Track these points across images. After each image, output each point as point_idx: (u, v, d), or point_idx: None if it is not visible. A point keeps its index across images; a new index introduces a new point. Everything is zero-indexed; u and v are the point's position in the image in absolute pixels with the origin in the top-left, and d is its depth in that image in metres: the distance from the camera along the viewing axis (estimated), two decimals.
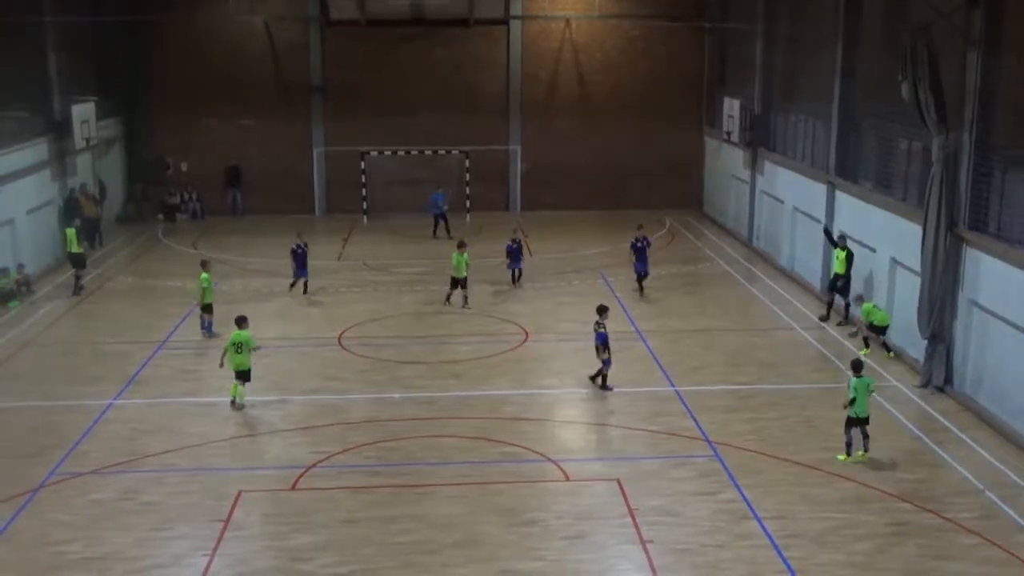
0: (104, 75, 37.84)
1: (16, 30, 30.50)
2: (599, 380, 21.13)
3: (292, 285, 28.47)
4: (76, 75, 34.58)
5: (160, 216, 39.75)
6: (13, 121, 30.76)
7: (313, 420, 19.61)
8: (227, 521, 15.48)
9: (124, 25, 37.18)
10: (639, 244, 28.53)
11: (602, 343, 20.79)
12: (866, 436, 17.65)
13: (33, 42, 32.04)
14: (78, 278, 28.80)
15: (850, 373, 17.98)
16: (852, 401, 17.60)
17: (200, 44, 39.14)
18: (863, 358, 19.17)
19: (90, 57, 36.89)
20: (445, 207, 36.75)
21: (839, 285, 25.40)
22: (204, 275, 24.48)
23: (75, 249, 28.74)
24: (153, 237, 36.86)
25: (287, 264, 28.96)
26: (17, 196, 29.72)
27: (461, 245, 27.60)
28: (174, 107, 39.13)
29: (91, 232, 32.66)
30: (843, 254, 25.14)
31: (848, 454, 17.60)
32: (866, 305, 23.55)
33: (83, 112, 33.51)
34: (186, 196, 40.38)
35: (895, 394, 20.84)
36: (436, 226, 36.45)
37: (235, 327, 20.32)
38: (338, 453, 18.01)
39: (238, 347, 20.04)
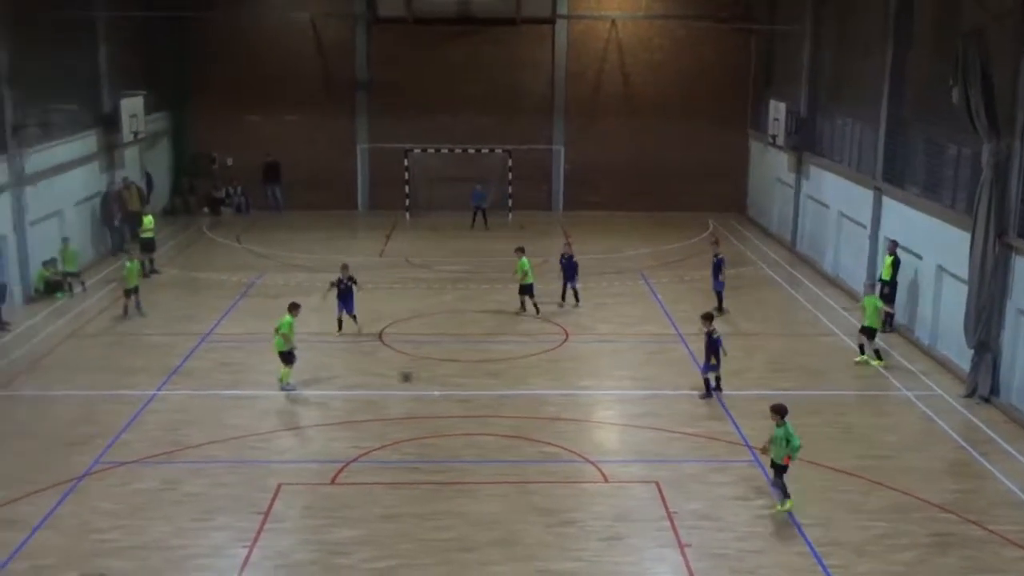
0: (153, 69, 38.23)
1: (68, 24, 30.90)
2: (717, 385, 20.90)
3: (339, 324, 24.84)
4: (126, 69, 35.02)
5: (205, 210, 40.14)
6: (64, 114, 31.18)
7: (353, 415, 19.71)
8: (267, 513, 15.59)
9: (173, 20, 37.56)
10: (716, 260, 26.92)
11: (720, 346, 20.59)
12: (783, 489, 15.87)
13: (84, 36, 32.47)
14: (151, 262, 30.39)
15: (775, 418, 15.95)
16: (792, 447, 15.67)
17: (247, 40, 39.46)
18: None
19: (139, 51, 37.29)
20: (484, 203, 37.86)
21: (885, 292, 25.13)
22: (129, 263, 26.48)
23: (147, 235, 30.40)
24: (198, 230, 37.23)
25: (328, 260, 28.99)
26: (66, 188, 30.15)
27: (520, 250, 26.76)
28: (221, 102, 39.46)
29: (133, 226, 32.98)
30: (889, 259, 24.89)
31: (788, 499, 15.78)
32: (870, 298, 23.31)
33: (132, 106, 33.90)
34: (231, 190, 40.72)
35: (939, 403, 20.58)
36: (475, 218, 37.76)
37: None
38: (377, 449, 18.08)
39: (277, 330, 20.93)
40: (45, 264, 27.76)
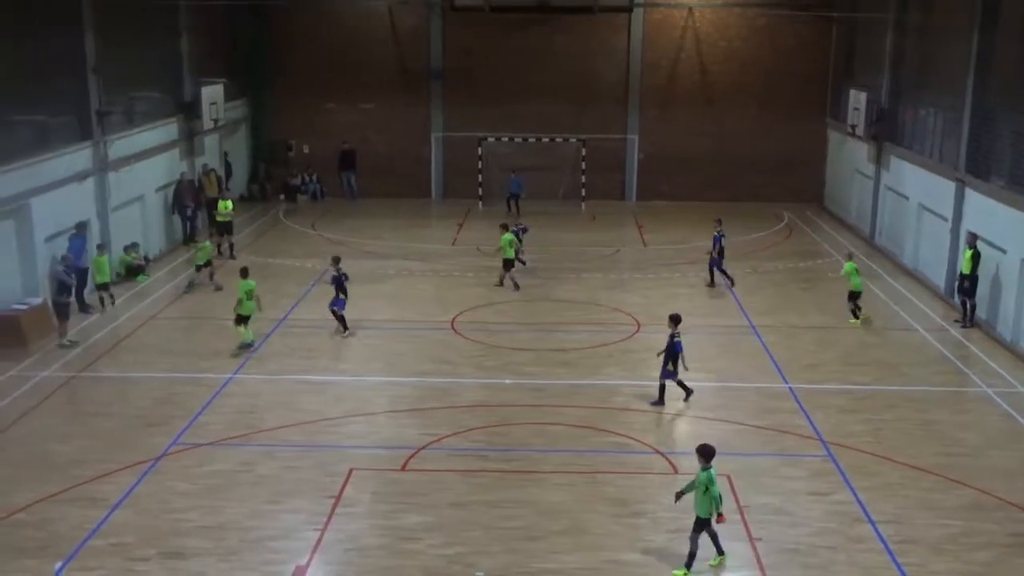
0: (233, 58, 38.88)
1: (151, 13, 31.56)
2: (686, 394, 19.92)
3: (343, 325, 23.90)
4: (206, 57, 35.62)
5: (281, 196, 40.69)
6: (146, 101, 31.86)
7: (424, 402, 19.84)
8: (338, 498, 15.78)
9: (253, 9, 38.13)
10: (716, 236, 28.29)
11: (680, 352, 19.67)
12: (714, 537, 13.99)
13: (167, 25, 33.10)
14: (230, 246, 31.38)
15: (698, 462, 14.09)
16: (720, 498, 13.85)
17: (325, 28, 39.86)
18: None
19: (220, 40, 37.91)
20: (521, 192, 38.18)
21: (966, 286, 24.58)
22: (208, 243, 28.35)
23: (223, 219, 31.37)
24: (274, 217, 37.76)
25: (401, 247, 29.03)
26: (148, 174, 30.80)
27: (504, 226, 28.31)
28: (298, 90, 39.97)
29: (210, 212, 33.59)
30: (969, 253, 24.34)
31: (688, 567, 13.73)
32: (849, 264, 25.20)
33: (212, 94, 34.49)
34: (307, 178, 41.23)
35: (1021, 401, 20.06)
36: (509, 207, 37.90)
37: (241, 278, 23.05)
38: (448, 436, 18.19)
39: (249, 295, 22.63)
40: (126, 249, 28.42)
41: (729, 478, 16.41)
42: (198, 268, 27.52)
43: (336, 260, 24.61)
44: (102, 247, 26.19)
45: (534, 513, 15.37)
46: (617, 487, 16.25)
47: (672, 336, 19.56)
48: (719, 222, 28.54)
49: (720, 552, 14.01)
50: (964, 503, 15.77)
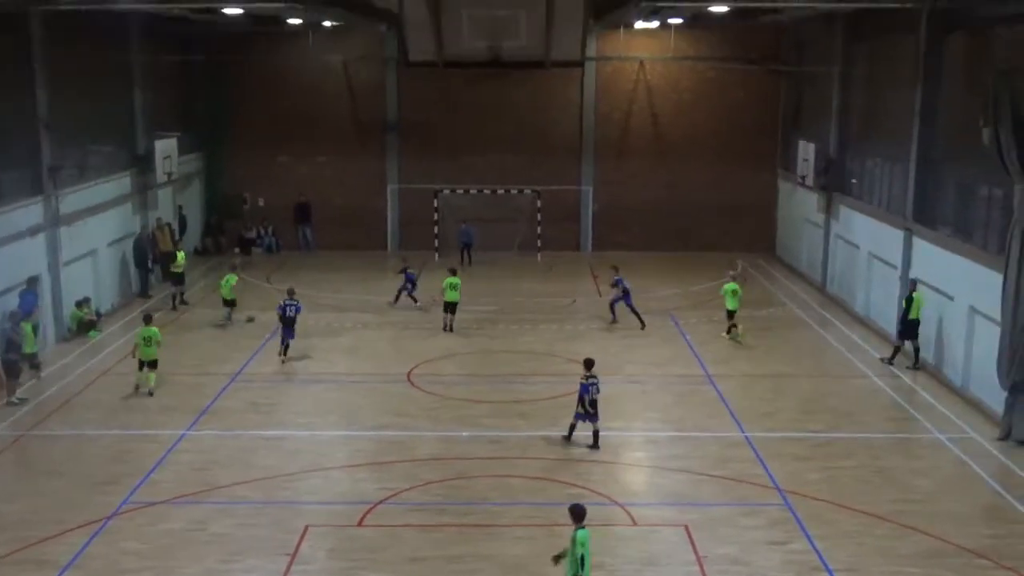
0: (187, 111, 38.82)
1: (105, 68, 31.51)
2: (595, 440, 20.13)
3: (285, 351, 25.80)
4: (160, 111, 35.53)
5: (236, 250, 40.47)
6: (99, 155, 31.68)
7: (381, 456, 19.69)
8: (294, 555, 15.56)
9: (207, 64, 38.17)
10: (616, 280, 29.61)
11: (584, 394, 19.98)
12: None
13: (120, 79, 33.01)
14: (180, 295, 31.82)
15: (571, 523, 13.40)
16: (581, 561, 12.96)
17: (279, 83, 39.97)
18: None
19: (174, 94, 37.88)
20: (472, 240, 38.76)
21: (900, 329, 25.67)
22: (231, 275, 29.84)
23: (178, 270, 31.70)
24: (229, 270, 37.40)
25: (358, 300, 28.96)
26: (100, 228, 30.53)
27: (452, 271, 29.30)
28: (253, 143, 39.94)
29: (164, 265, 33.38)
30: (907, 297, 25.12)
31: None
32: (728, 285, 27.86)
33: (165, 147, 34.36)
34: (262, 231, 41.09)
35: (973, 447, 20.30)
36: (462, 256, 38.36)
37: (144, 324, 23.51)
38: (405, 490, 18.04)
39: (148, 340, 22.99)
40: (78, 304, 28.08)
41: (687, 528, 16.44)
42: (226, 302, 29.12)
43: (289, 292, 26.54)
44: (30, 314, 24.15)
45: (493, 567, 15.26)
46: None
47: (583, 379, 20.02)
48: (616, 269, 29.92)
49: None
50: (920, 550, 15.87)
